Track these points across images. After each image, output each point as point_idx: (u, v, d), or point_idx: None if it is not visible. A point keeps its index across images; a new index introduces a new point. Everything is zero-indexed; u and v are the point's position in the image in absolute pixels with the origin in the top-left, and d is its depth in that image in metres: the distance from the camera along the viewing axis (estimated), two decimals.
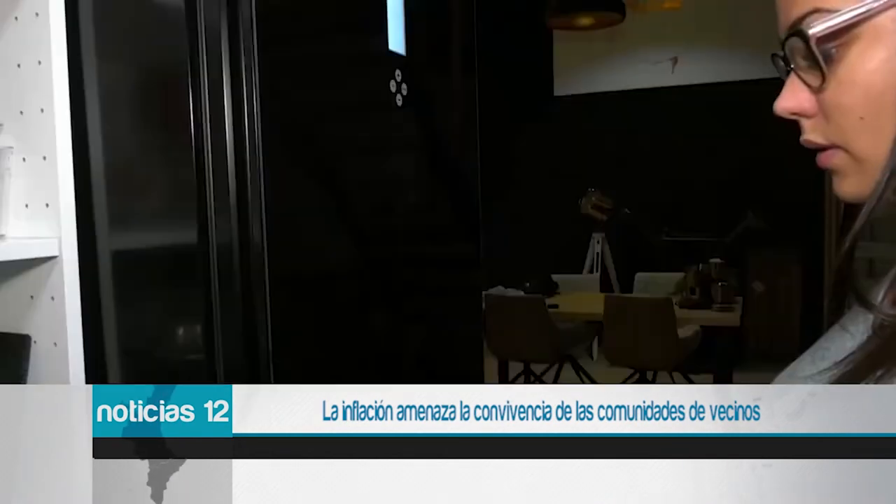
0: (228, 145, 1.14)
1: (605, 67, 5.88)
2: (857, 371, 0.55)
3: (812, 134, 0.59)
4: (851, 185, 0.58)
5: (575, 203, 5.44)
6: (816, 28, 0.54)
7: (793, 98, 0.59)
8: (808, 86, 0.57)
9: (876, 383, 0.54)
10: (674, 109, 5.59)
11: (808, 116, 0.59)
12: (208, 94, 1.14)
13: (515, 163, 6.01)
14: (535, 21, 5.30)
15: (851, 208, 0.60)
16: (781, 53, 0.59)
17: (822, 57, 0.55)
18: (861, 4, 0.53)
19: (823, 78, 0.56)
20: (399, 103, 1.47)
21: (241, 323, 1.16)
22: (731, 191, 5.43)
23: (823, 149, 0.59)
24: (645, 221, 5.46)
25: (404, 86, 1.47)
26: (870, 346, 0.56)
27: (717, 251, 4.47)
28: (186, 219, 1.17)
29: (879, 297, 0.58)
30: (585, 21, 4.69)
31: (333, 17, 1.36)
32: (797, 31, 0.56)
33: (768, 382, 0.64)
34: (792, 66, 0.58)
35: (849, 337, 0.59)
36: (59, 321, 1.04)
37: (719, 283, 3.93)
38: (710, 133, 5.46)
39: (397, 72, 1.46)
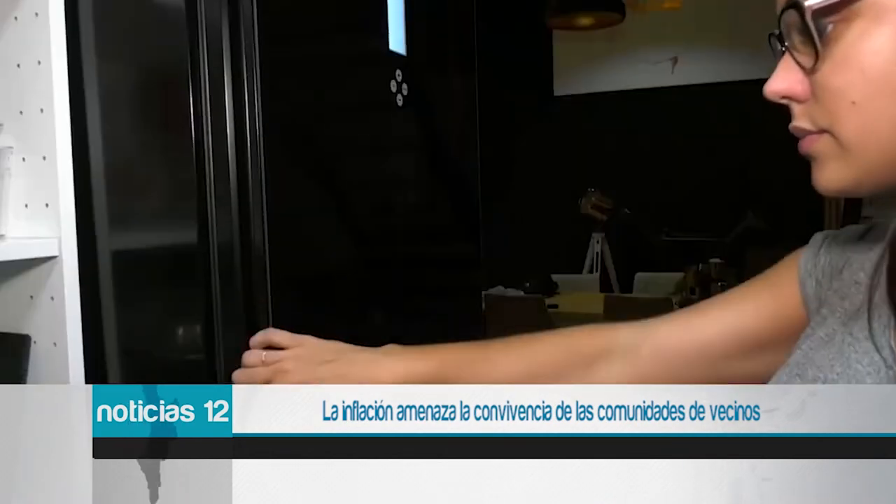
0: (229, 145, 1.14)
1: (605, 67, 5.88)
2: None
3: (801, 120, 0.55)
4: (832, 173, 0.54)
5: (575, 203, 5.44)
6: (813, 0, 0.51)
7: (784, 80, 0.55)
8: (802, 67, 0.54)
9: None
10: (674, 109, 5.58)
11: (798, 101, 0.55)
12: (209, 94, 1.14)
13: (515, 163, 6.01)
14: (535, 21, 5.29)
15: (852, 207, 0.59)
16: (777, 32, 0.55)
17: (817, 32, 0.51)
18: None
19: (817, 56, 0.52)
20: (399, 103, 1.47)
21: (241, 323, 1.16)
22: (731, 191, 5.43)
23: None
24: (645, 221, 5.46)
25: (404, 86, 1.47)
26: None
27: (717, 251, 4.47)
28: (186, 219, 1.17)
29: None
30: (585, 21, 4.69)
31: (333, 17, 1.36)
32: (793, 3, 0.52)
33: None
34: (786, 44, 0.54)
35: (871, 372, 0.56)
36: (59, 321, 1.04)
37: (719, 283, 3.93)
38: (710, 133, 5.46)
39: (397, 72, 1.46)
